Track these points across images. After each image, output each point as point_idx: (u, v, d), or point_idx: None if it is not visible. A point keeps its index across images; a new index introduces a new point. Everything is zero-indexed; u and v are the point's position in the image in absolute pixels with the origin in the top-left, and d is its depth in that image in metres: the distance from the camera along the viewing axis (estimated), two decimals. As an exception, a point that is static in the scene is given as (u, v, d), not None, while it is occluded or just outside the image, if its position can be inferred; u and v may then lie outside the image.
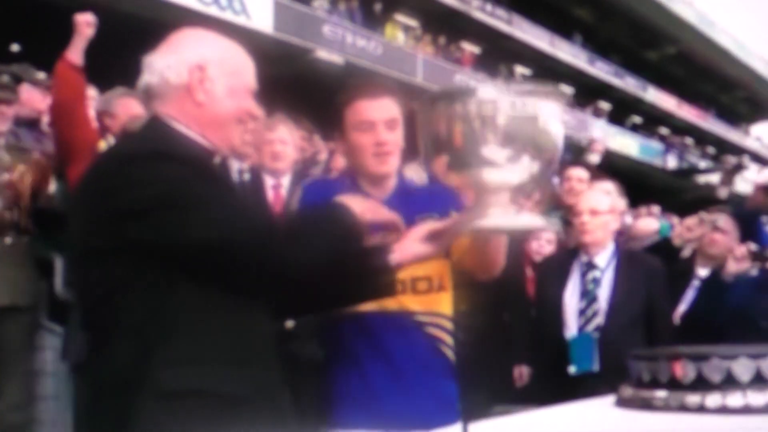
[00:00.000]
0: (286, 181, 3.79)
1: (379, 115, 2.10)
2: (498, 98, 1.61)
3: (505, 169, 1.67)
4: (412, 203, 2.09)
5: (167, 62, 1.65)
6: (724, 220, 4.06)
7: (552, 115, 1.68)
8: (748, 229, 4.21)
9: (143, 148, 1.57)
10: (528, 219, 1.83)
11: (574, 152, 5.30)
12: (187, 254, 1.50)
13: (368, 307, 1.98)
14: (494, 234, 1.95)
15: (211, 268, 1.52)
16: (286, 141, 3.81)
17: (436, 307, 2.13)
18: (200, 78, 1.64)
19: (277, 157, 3.76)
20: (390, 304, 2.03)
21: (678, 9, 28.47)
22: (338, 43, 16.61)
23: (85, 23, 3.59)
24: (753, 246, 3.75)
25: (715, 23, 31.50)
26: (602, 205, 3.40)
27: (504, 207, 1.72)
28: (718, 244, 3.98)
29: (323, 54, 16.15)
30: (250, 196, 3.61)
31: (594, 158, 5.35)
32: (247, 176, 3.98)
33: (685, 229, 4.46)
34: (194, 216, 1.50)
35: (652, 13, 27.38)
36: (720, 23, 31.97)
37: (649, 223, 4.85)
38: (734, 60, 33.10)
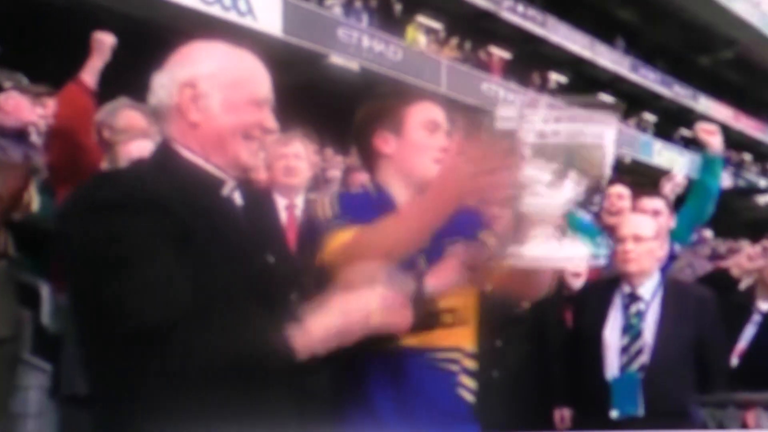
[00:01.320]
0: (300, 200, 3.82)
1: (444, 122, 2.19)
2: (517, 126, 1.65)
3: (546, 197, 1.70)
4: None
5: (162, 81, 1.70)
6: None
7: (596, 137, 1.70)
8: None
9: (102, 196, 1.59)
10: (572, 249, 1.84)
11: (619, 169, 5.25)
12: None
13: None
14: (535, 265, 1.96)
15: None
16: (301, 156, 3.84)
17: (459, 342, 2.13)
18: (192, 96, 1.67)
19: (291, 172, 3.79)
20: (410, 338, 2.03)
21: (736, 7, 28.39)
22: (354, 47, 16.75)
23: (106, 44, 3.66)
24: None
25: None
26: (647, 231, 3.39)
27: (546, 236, 1.75)
28: None
29: (337, 59, 16.28)
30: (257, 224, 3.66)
31: (669, 188, 5.31)
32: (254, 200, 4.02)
33: (746, 258, 4.42)
34: (121, 277, 1.50)
35: (706, 13, 27.32)
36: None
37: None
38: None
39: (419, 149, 2.14)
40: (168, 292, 1.51)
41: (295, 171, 3.80)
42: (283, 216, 3.77)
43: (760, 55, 31.06)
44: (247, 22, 14.58)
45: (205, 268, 1.57)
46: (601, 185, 1.77)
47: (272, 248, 1.79)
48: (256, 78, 1.75)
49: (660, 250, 3.46)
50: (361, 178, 4.25)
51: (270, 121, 1.75)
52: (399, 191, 2.16)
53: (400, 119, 2.16)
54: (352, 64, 16.55)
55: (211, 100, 1.68)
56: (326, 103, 16.32)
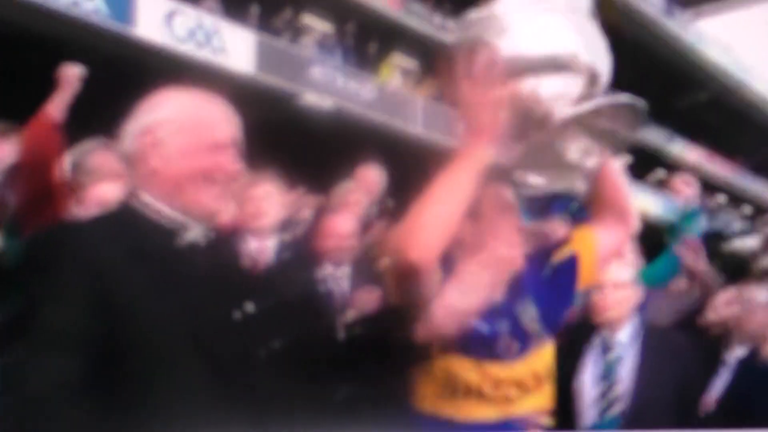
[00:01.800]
0: (271, 242, 3.80)
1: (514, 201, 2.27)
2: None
3: (557, 78, 1.93)
4: None
5: (127, 129, 1.75)
6: (764, 295, 4.06)
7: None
8: None
9: (25, 256, 1.67)
10: (605, 98, 2.03)
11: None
12: None
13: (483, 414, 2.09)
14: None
15: None
16: (271, 197, 3.82)
17: (544, 403, 2.23)
18: (151, 142, 1.71)
19: (260, 214, 3.77)
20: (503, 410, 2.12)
21: (710, 52, 28.95)
22: (328, 85, 16.82)
23: (73, 76, 3.61)
24: None
25: (751, 69, 32.00)
26: (626, 277, 3.40)
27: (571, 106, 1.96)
28: (756, 321, 3.97)
29: (311, 98, 16.34)
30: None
31: None
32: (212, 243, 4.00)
33: (722, 304, 4.43)
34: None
35: (680, 56, 27.82)
36: (758, 69, 32.47)
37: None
38: (771, 109, 33.55)
39: (497, 233, 2.14)
40: (40, 365, 1.51)
41: (265, 213, 3.78)
42: (250, 259, 3.75)
43: (734, 99, 31.64)
44: (220, 60, 14.62)
45: (134, 328, 1.57)
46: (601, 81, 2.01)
47: (252, 295, 1.77)
48: (217, 121, 1.76)
49: (636, 296, 3.48)
50: (334, 221, 4.23)
51: (233, 164, 1.74)
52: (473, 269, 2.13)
53: (477, 203, 2.12)
54: (326, 102, 16.62)
55: (169, 146, 1.70)
56: (299, 141, 16.34)
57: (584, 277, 2.28)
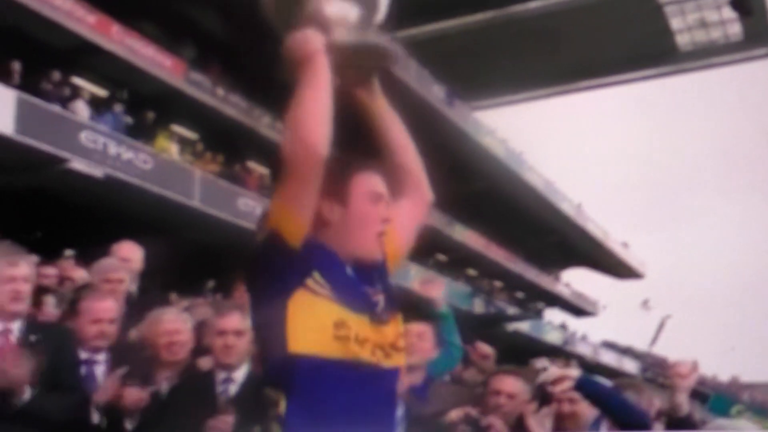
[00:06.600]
0: (16, 326, 3.67)
1: (385, 192, 2.37)
2: None
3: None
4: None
5: None
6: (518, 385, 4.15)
7: None
8: None
9: None
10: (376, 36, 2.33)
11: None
12: None
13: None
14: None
15: None
16: (29, 279, 3.75)
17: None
18: None
19: (19, 297, 3.66)
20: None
21: (486, 141, 30.94)
22: (99, 153, 16.27)
23: None
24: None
25: (524, 161, 34.38)
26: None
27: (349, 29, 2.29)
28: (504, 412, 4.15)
29: (80, 165, 15.71)
30: None
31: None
32: None
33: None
34: None
35: (459, 144, 29.45)
36: (530, 162, 34.91)
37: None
38: (543, 201, 36.05)
39: (363, 221, 2.28)
40: None
41: (21, 295, 3.67)
42: None
43: (508, 190, 33.71)
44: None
45: None
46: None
47: None
48: None
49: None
50: (97, 305, 4.09)
51: None
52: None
53: (346, 190, 2.28)
54: (96, 171, 16.02)
55: None
56: (65, 211, 15.63)
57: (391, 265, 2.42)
